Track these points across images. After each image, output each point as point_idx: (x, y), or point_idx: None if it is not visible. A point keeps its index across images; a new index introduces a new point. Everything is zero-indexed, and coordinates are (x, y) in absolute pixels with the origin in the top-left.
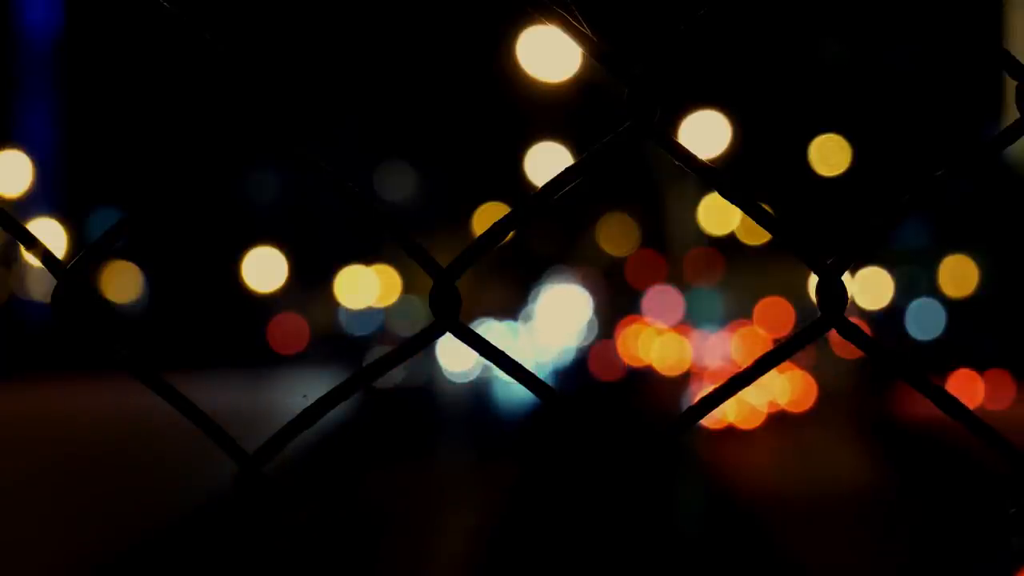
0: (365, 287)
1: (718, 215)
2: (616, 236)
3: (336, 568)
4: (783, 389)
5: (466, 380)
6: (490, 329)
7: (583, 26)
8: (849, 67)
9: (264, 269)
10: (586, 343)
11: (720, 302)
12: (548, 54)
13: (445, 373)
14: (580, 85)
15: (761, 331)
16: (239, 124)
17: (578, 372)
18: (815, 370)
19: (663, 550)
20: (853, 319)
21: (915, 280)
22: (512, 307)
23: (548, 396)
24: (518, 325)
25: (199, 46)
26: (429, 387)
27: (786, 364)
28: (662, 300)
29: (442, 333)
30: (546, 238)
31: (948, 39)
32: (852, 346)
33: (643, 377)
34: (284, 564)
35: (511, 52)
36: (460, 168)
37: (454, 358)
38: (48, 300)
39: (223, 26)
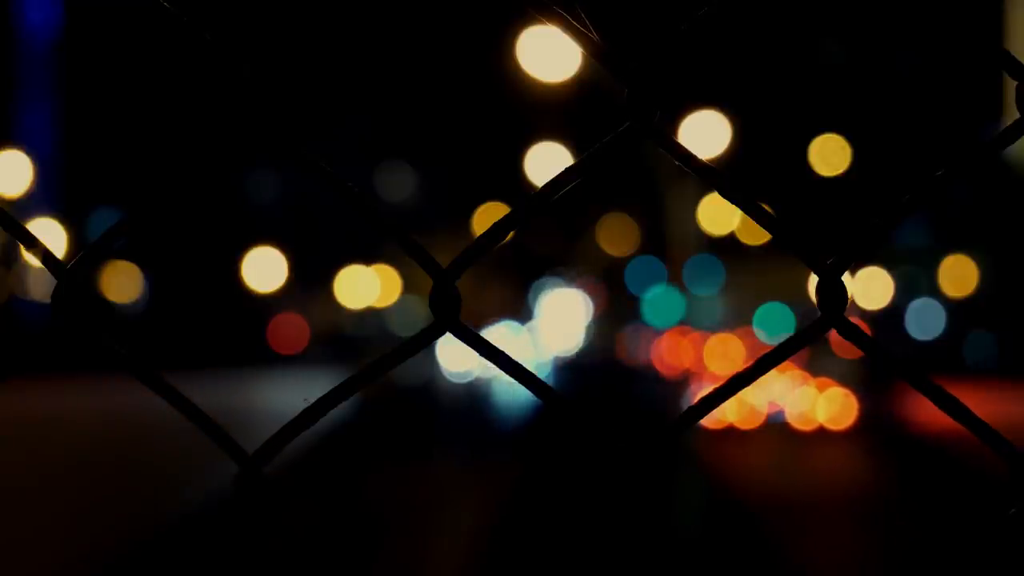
0: (365, 287)
1: (718, 215)
2: (616, 236)
3: (336, 568)
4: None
5: (466, 380)
6: (490, 331)
7: (587, 26)
8: (849, 67)
9: (264, 269)
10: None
11: (720, 302)
12: (548, 54)
13: (445, 373)
14: (580, 85)
15: (761, 332)
16: (239, 124)
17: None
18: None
19: (663, 550)
20: (853, 319)
21: (915, 280)
22: (512, 308)
23: (548, 396)
24: (519, 326)
25: (199, 46)
26: (429, 387)
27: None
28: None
29: (442, 333)
30: (546, 238)
31: (948, 40)
32: (852, 346)
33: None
34: (284, 564)
35: (511, 52)
36: (460, 168)
37: (454, 358)
38: (48, 300)
39: (224, 26)
